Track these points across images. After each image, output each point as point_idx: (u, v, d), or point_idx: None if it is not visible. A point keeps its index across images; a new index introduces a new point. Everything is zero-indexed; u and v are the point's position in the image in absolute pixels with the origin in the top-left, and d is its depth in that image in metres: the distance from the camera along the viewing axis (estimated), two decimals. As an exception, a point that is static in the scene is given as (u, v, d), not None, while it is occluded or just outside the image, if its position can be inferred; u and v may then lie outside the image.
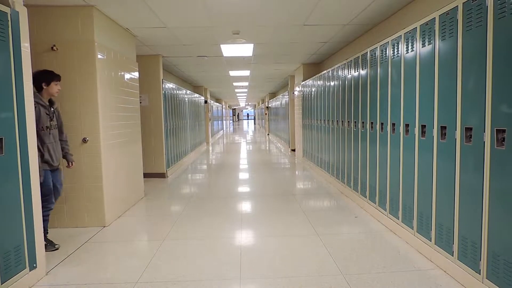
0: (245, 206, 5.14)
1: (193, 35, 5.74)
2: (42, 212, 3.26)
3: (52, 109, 3.50)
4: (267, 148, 14.03)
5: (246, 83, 14.26)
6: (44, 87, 3.42)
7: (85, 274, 3.01)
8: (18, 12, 2.68)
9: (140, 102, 5.95)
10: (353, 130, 5.09)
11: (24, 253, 2.70)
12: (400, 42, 3.56)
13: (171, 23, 4.95)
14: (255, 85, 15.05)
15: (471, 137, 2.52)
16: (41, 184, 3.23)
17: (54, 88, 3.47)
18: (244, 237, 3.90)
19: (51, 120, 3.47)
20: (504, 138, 2.22)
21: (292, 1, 4.12)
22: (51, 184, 3.50)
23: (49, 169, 3.46)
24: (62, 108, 4.09)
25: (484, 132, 2.36)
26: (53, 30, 4.04)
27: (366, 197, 4.65)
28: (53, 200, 3.57)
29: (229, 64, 8.80)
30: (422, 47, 3.15)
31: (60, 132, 3.68)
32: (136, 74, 5.59)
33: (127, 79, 5.15)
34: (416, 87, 3.26)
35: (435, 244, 3.02)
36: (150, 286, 2.78)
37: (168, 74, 9.69)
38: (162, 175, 7.41)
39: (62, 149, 3.70)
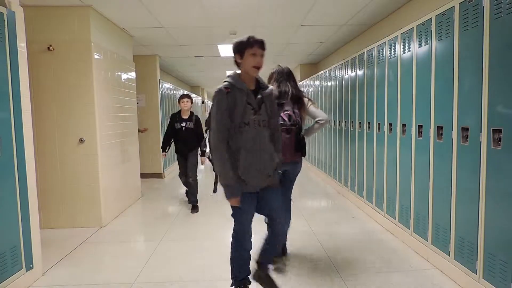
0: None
1: (190, 35, 5.73)
2: (232, 251, 2.45)
3: (259, 96, 2.29)
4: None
5: (243, 83, 14.24)
6: (239, 60, 2.27)
7: (82, 275, 3.00)
8: (14, 12, 2.66)
9: (137, 103, 5.93)
10: (350, 130, 5.10)
11: (21, 253, 2.69)
12: (397, 43, 3.57)
13: (168, 23, 4.95)
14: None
15: (467, 137, 2.53)
16: (234, 210, 2.34)
17: (251, 60, 2.22)
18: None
19: (256, 112, 2.25)
20: (500, 138, 2.23)
21: (289, 1, 4.12)
22: (247, 212, 2.34)
23: (248, 191, 2.28)
24: (59, 108, 4.08)
25: (481, 132, 2.37)
26: (49, 30, 4.03)
27: (363, 197, 4.66)
28: (249, 239, 2.42)
29: (226, 64, 8.79)
30: (419, 47, 3.16)
31: (273, 133, 2.38)
32: (133, 74, 5.57)
33: (124, 79, 5.14)
34: (413, 87, 3.27)
35: (431, 244, 3.03)
36: (147, 287, 2.77)
37: (165, 74, 9.67)
38: (159, 176, 7.40)
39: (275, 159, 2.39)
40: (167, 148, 4.99)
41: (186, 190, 5.24)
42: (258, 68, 2.24)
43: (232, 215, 2.36)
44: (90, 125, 4.13)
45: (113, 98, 4.69)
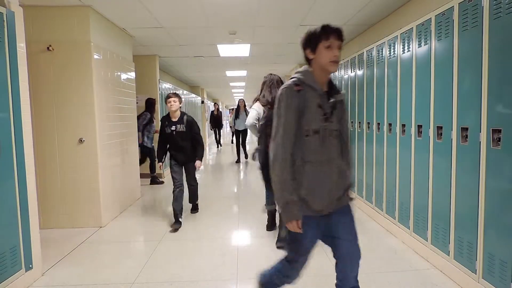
0: (242, 207, 5.14)
1: (189, 35, 5.73)
2: (275, 273, 2.02)
3: (332, 100, 1.84)
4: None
5: (243, 83, 14.25)
6: (311, 56, 1.85)
7: (82, 275, 3.00)
8: (13, 12, 2.66)
9: (137, 103, 5.93)
10: (350, 130, 5.10)
11: (20, 253, 2.69)
12: (396, 42, 3.57)
13: (167, 23, 4.94)
14: (252, 85, 15.05)
15: (467, 137, 2.53)
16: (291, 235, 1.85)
17: (326, 55, 1.79)
18: (241, 237, 3.89)
19: (328, 119, 1.81)
20: (499, 138, 2.23)
21: (289, 1, 4.13)
22: (308, 240, 1.85)
23: (312, 214, 1.81)
24: (59, 108, 4.07)
25: (480, 132, 2.37)
26: (49, 30, 4.02)
27: (362, 197, 4.66)
28: (300, 271, 1.96)
29: (225, 64, 8.79)
30: (418, 47, 3.16)
31: (345, 145, 1.93)
32: (132, 74, 5.57)
33: (123, 79, 5.14)
34: (413, 87, 3.27)
35: (431, 244, 3.03)
36: (146, 287, 2.77)
37: (164, 74, 9.67)
38: (159, 176, 7.39)
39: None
40: (163, 157, 4.37)
41: (173, 206, 4.20)
42: (336, 62, 1.80)
43: (288, 242, 1.94)
44: (90, 126, 4.12)
45: (113, 98, 4.69)
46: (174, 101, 4.13)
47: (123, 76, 5.15)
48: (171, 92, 4.28)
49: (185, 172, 4.39)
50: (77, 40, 4.06)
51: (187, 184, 4.49)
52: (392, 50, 3.68)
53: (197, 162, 4.31)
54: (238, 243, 3.72)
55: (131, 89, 5.47)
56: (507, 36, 2.16)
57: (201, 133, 13.30)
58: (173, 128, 4.17)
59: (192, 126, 4.24)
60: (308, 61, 1.87)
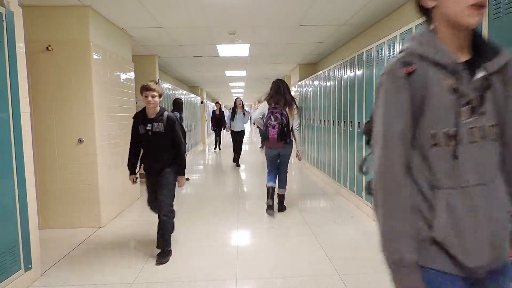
0: (241, 206, 5.14)
1: (189, 35, 5.73)
2: None
3: (480, 74, 1.00)
4: (263, 148, 13.99)
5: (242, 83, 14.25)
6: (430, 4, 1.03)
7: (81, 275, 3.00)
8: (13, 12, 2.66)
9: (136, 103, 5.92)
10: (349, 130, 5.10)
11: (19, 254, 2.69)
12: (396, 43, 3.57)
13: (167, 23, 4.94)
14: (251, 85, 15.06)
15: (466, 137, 2.52)
16: None
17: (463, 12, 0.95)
18: (240, 237, 3.89)
19: (475, 110, 1.04)
20: (498, 138, 2.23)
21: (288, 1, 4.13)
22: None
23: (456, 273, 1.00)
24: (58, 108, 4.07)
25: (479, 132, 2.37)
26: (48, 30, 4.02)
27: (362, 197, 4.66)
28: None
29: (225, 64, 8.79)
30: (418, 47, 3.16)
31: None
32: (132, 74, 5.57)
33: (122, 79, 5.13)
34: (412, 87, 3.27)
35: (430, 243, 3.03)
36: (145, 287, 2.77)
37: (164, 74, 9.67)
38: (158, 176, 7.39)
39: None
40: (136, 167, 3.42)
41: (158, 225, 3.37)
42: (481, 6, 0.95)
43: None
44: (89, 125, 4.12)
45: (112, 98, 4.69)
46: (153, 96, 3.18)
47: (123, 76, 5.14)
48: (150, 81, 3.29)
49: (157, 188, 3.25)
50: (76, 40, 4.06)
51: (158, 210, 3.27)
52: (391, 50, 3.69)
53: (180, 179, 3.35)
54: (238, 243, 3.72)
55: (130, 89, 5.47)
56: (506, 36, 2.16)
57: (200, 134, 13.36)
58: (149, 127, 3.21)
59: (173, 126, 3.25)
60: (427, 14, 1.08)
